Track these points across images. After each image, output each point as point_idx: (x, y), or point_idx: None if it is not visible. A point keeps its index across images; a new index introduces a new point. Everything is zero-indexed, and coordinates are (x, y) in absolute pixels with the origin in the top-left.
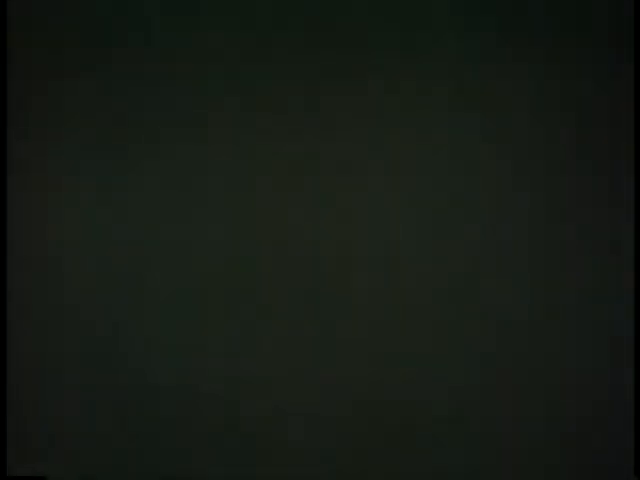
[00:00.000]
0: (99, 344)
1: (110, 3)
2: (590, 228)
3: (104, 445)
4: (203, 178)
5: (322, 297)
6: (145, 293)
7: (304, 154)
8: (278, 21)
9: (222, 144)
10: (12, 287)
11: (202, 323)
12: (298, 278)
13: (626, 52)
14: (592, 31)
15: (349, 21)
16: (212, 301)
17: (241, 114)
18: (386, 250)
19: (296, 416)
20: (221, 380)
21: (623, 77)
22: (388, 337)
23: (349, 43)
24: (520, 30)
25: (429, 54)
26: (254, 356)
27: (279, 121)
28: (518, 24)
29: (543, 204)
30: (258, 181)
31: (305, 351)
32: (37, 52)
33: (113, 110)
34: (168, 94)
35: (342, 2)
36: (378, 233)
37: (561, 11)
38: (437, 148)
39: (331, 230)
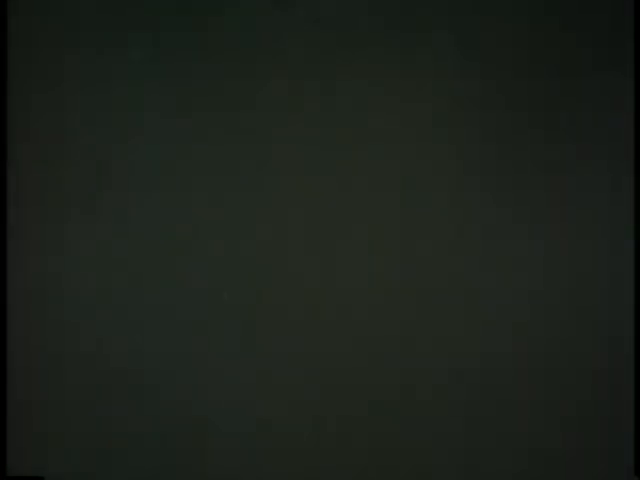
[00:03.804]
0: (99, 344)
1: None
2: (590, 228)
3: (104, 445)
4: (204, 178)
5: (322, 297)
6: (145, 293)
7: (304, 153)
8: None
9: (221, 146)
10: (12, 287)
11: (203, 327)
12: (299, 281)
13: (626, 52)
14: (592, 31)
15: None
16: (212, 305)
17: (241, 113)
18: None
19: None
20: (222, 383)
21: (623, 76)
22: (390, 340)
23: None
24: (519, 30)
25: (428, 53)
26: (256, 368)
27: (278, 120)
28: (518, 24)
29: (542, 203)
30: (258, 181)
31: (308, 356)
32: (37, 53)
33: (113, 112)
34: (168, 94)
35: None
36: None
37: (561, 11)
38: (437, 149)
39: (331, 231)
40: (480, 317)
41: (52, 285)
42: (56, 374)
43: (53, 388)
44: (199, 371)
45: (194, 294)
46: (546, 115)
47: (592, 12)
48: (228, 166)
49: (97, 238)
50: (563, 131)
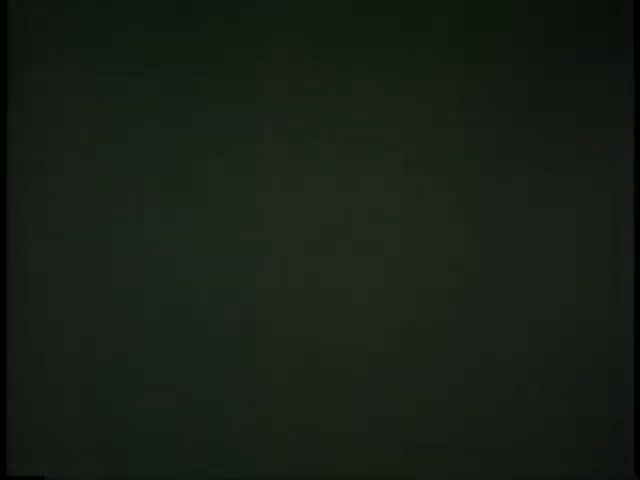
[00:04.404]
0: (99, 344)
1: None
2: (590, 227)
3: (104, 445)
4: (203, 179)
5: (321, 296)
6: (145, 293)
7: (304, 155)
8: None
9: (221, 147)
10: (12, 287)
11: (201, 328)
12: (297, 280)
13: (626, 52)
14: (592, 31)
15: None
16: (211, 306)
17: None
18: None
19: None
20: (222, 383)
21: (623, 77)
22: (388, 341)
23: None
24: (520, 30)
25: (430, 53)
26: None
27: (279, 120)
28: (518, 24)
29: (542, 204)
30: (258, 182)
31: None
32: (37, 52)
33: (113, 112)
34: (168, 93)
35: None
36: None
37: (561, 11)
38: (437, 149)
39: (330, 229)
40: (479, 317)
41: (52, 285)
42: (56, 374)
43: (53, 388)
44: (199, 376)
45: (194, 295)
46: (546, 115)
47: (592, 12)
48: (228, 167)
49: (97, 238)
50: (563, 131)
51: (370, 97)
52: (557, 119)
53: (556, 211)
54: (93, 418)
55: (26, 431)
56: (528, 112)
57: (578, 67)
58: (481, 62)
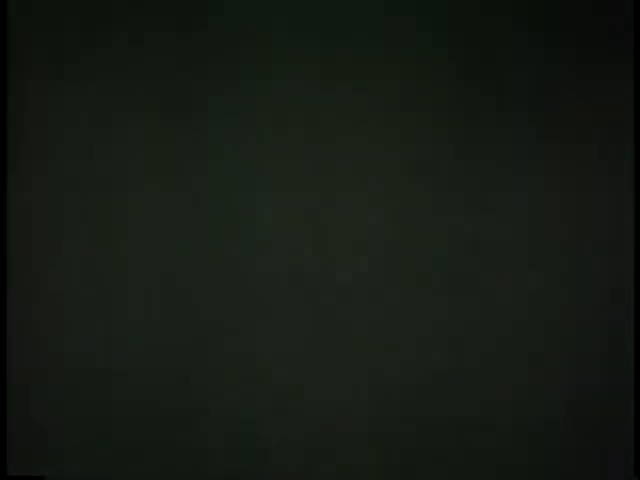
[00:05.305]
0: (99, 344)
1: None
2: (590, 227)
3: (104, 445)
4: (202, 178)
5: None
6: (145, 294)
7: (303, 157)
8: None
9: (218, 148)
10: (12, 288)
11: (201, 331)
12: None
13: (626, 52)
14: (592, 31)
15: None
16: (210, 306)
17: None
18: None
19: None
20: (221, 381)
21: (623, 77)
22: (386, 346)
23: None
24: (520, 30)
25: (427, 54)
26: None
27: (279, 122)
28: (518, 24)
29: (543, 204)
30: (257, 182)
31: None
32: (37, 52)
33: (113, 112)
34: (167, 95)
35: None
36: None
37: (561, 11)
38: (438, 149)
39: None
40: (478, 316)
41: (52, 285)
42: (56, 374)
43: (53, 388)
44: (200, 376)
45: (193, 297)
46: (546, 115)
47: (592, 12)
48: (227, 167)
49: (96, 238)
50: (563, 131)
51: (370, 97)
52: (557, 119)
53: (556, 211)
54: (93, 418)
55: (26, 431)
56: (528, 112)
57: (578, 67)
58: (481, 62)
